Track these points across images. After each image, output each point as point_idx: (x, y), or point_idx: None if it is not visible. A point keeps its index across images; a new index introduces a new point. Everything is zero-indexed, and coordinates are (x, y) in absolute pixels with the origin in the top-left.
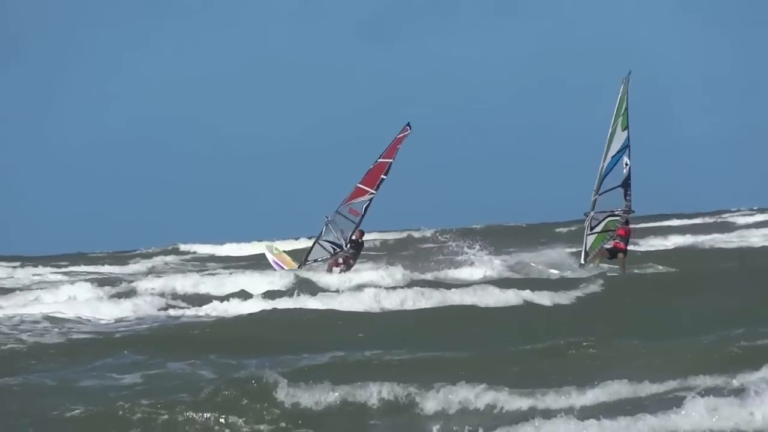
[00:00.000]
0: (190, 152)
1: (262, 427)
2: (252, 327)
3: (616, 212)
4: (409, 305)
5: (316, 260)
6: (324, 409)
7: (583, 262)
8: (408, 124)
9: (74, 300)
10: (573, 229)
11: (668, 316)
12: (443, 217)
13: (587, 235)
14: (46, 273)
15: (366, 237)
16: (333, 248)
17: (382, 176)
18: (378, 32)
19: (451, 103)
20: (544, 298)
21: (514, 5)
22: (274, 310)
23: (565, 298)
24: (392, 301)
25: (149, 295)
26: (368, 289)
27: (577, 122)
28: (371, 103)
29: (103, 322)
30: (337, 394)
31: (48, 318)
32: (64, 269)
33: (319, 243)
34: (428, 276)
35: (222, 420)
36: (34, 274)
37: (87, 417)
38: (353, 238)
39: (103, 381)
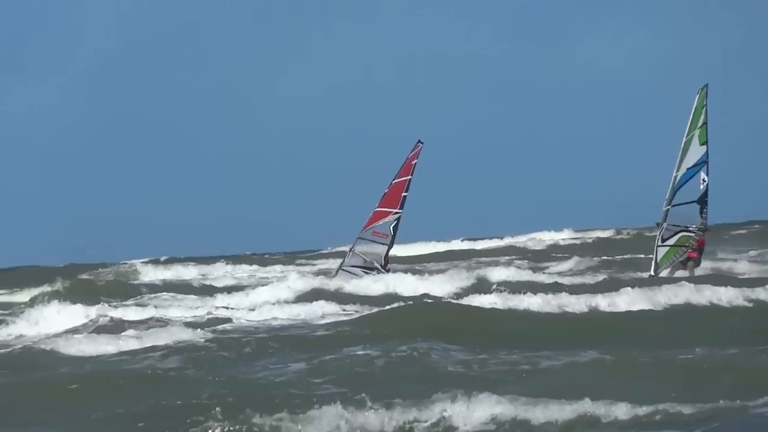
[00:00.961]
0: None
1: None
2: None
3: (690, 228)
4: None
5: None
6: None
7: (653, 273)
8: (420, 141)
9: None
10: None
11: None
12: None
13: (658, 246)
14: (255, 271)
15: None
16: (364, 272)
17: (404, 194)
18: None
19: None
20: None
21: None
22: None
23: None
24: None
25: None
26: None
27: None
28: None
29: None
30: None
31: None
32: (265, 267)
33: (343, 269)
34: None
35: None
36: (249, 273)
37: None
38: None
39: None
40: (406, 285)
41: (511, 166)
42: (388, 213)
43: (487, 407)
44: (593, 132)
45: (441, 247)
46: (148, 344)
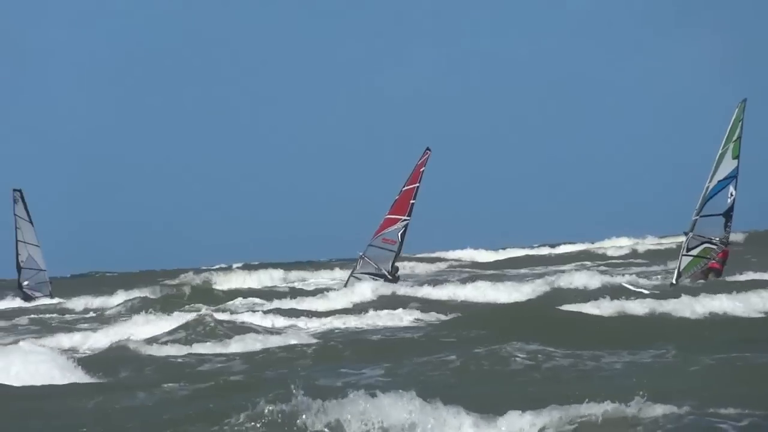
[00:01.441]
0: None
1: None
2: None
3: (714, 240)
4: None
5: None
6: None
7: (674, 281)
8: (428, 148)
9: None
10: None
11: None
12: None
13: (683, 255)
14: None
15: None
16: (374, 278)
17: (411, 201)
18: None
19: None
20: None
21: None
22: None
23: None
24: None
25: None
26: None
27: None
28: None
29: None
30: None
31: None
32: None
33: (354, 276)
34: None
35: None
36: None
37: None
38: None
39: None
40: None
41: (594, 172)
42: (397, 220)
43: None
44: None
45: (521, 252)
46: (239, 349)
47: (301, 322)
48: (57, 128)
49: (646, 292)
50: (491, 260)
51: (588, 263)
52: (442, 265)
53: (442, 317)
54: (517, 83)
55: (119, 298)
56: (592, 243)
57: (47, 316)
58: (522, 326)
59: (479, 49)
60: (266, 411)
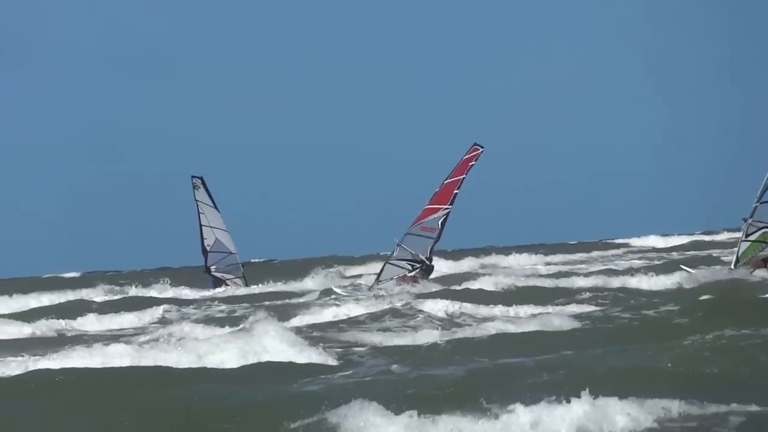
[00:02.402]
0: None
1: None
2: None
3: None
4: None
5: (391, 278)
6: None
7: (732, 267)
8: (478, 144)
9: None
10: None
11: None
12: None
13: (741, 241)
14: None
15: None
16: (411, 265)
17: (455, 191)
18: None
19: None
20: None
21: None
22: None
23: None
24: None
25: None
26: None
27: None
28: None
29: None
30: None
31: None
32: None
33: (390, 263)
34: None
35: None
36: None
37: None
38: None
39: None
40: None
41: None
42: (438, 209)
43: None
44: None
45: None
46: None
47: None
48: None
49: None
50: (667, 246)
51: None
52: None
53: None
54: None
55: (307, 282)
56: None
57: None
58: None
59: None
60: None
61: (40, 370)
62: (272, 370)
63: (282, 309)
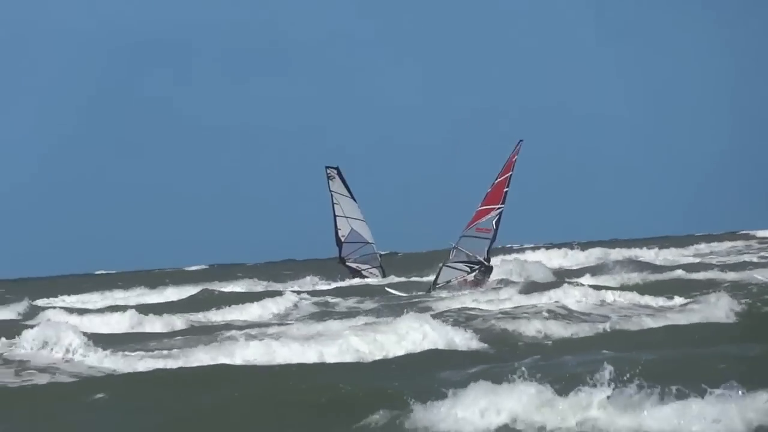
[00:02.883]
0: None
1: None
2: None
3: None
4: None
5: (448, 281)
6: None
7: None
8: (521, 140)
9: None
10: None
11: None
12: None
13: None
14: None
15: None
16: (469, 266)
17: (505, 189)
18: None
19: None
20: None
21: None
22: None
23: None
24: None
25: None
26: None
27: None
28: None
29: None
30: None
31: None
32: None
33: (447, 266)
34: None
35: None
36: None
37: None
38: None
39: None
40: None
41: None
42: (491, 210)
43: None
44: None
45: None
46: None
47: None
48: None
49: None
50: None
51: None
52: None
53: None
54: None
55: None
56: None
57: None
58: None
59: None
60: None
61: (221, 364)
62: (436, 357)
63: (421, 300)
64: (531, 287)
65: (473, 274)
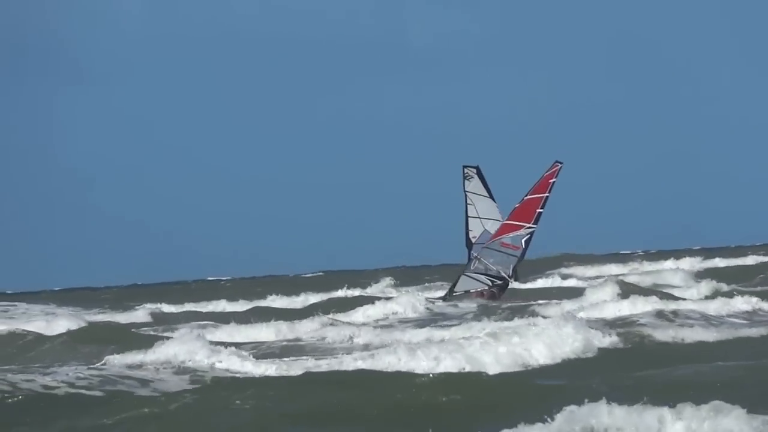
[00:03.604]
0: None
1: None
2: None
3: None
4: None
5: (467, 291)
6: None
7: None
8: (558, 161)
9: None
10: None
11: None
12: None
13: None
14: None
15: None
16: (491, 280)
17: (539, 210)
18: None
19: None
20: None
21: None
22: None
23: None
24: None
25: None
26: None
27: None
28: None
29: None
30: None
31: None
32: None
33: (466, 275)
34: None
35: None
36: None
37: None
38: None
39: None
40: None
41: None
42: (520, 227)
43: None
44: None
45: None
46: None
47: None
48: None
49: None
50: None
51: None
52: None
53: None
54: None
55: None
56: None
57: None
58: None
59: None
60: None
61: (359, 369)
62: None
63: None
64: None
65: (493, 287)
